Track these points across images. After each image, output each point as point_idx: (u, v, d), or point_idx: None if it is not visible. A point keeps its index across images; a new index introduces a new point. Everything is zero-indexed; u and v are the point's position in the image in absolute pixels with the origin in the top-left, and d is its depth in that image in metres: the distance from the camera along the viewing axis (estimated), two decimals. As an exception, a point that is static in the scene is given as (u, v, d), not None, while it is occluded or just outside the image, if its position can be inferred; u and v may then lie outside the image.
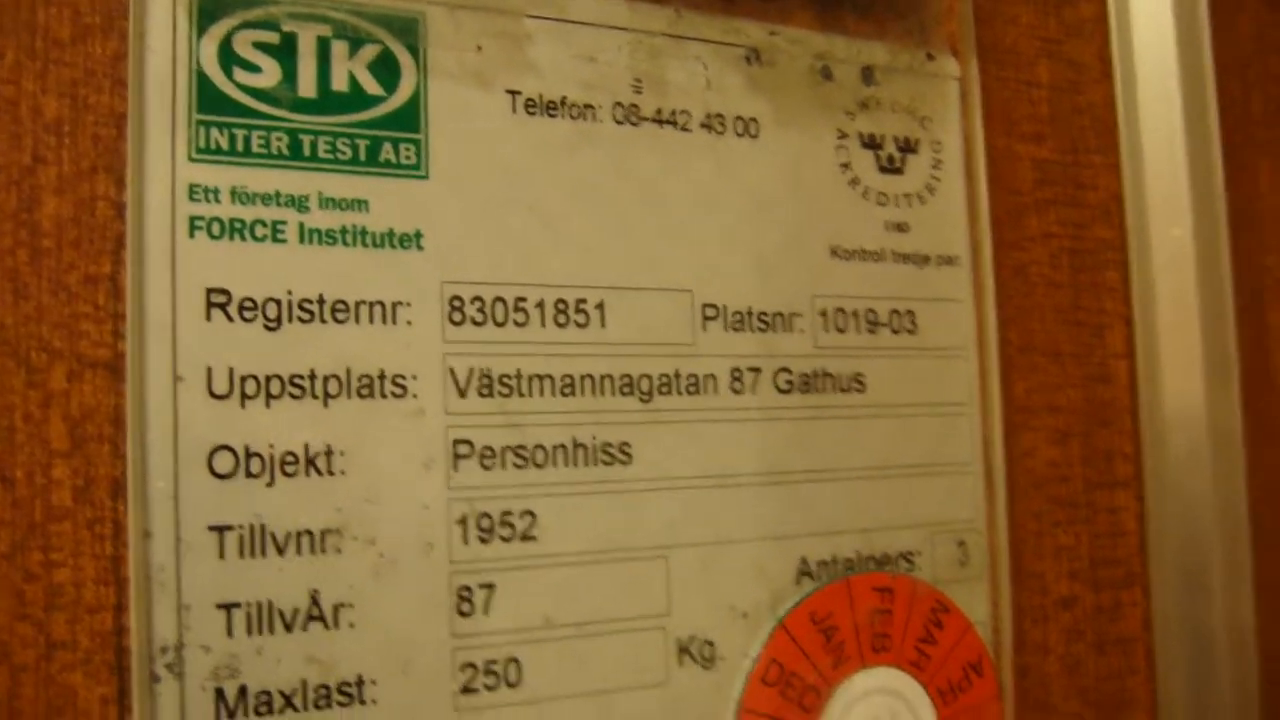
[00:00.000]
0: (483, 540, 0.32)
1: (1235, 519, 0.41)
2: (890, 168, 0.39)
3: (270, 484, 0.30)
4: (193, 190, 0.30)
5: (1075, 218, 0.42)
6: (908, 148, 0.39)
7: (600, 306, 0.34)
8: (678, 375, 0.35)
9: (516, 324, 0.33)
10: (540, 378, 0.33)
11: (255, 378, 0.30)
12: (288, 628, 0.30)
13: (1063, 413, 0.41)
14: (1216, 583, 0.41)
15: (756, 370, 0.36)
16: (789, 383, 0.36)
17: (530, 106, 0.34)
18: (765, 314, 0.36)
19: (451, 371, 0.32)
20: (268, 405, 0.30)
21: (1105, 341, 0.42)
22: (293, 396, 0.30)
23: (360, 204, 0.31)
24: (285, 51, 0.31)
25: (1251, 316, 0.43)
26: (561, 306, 0.33)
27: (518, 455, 0.32)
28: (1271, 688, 0.42)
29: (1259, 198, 0.43)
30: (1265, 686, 0.42)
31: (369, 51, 0.32)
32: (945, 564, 0.38)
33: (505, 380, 0.32)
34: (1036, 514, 0.40)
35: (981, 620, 0.39)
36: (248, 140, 0.30)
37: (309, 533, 0.30)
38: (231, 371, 0.30)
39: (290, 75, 0.31)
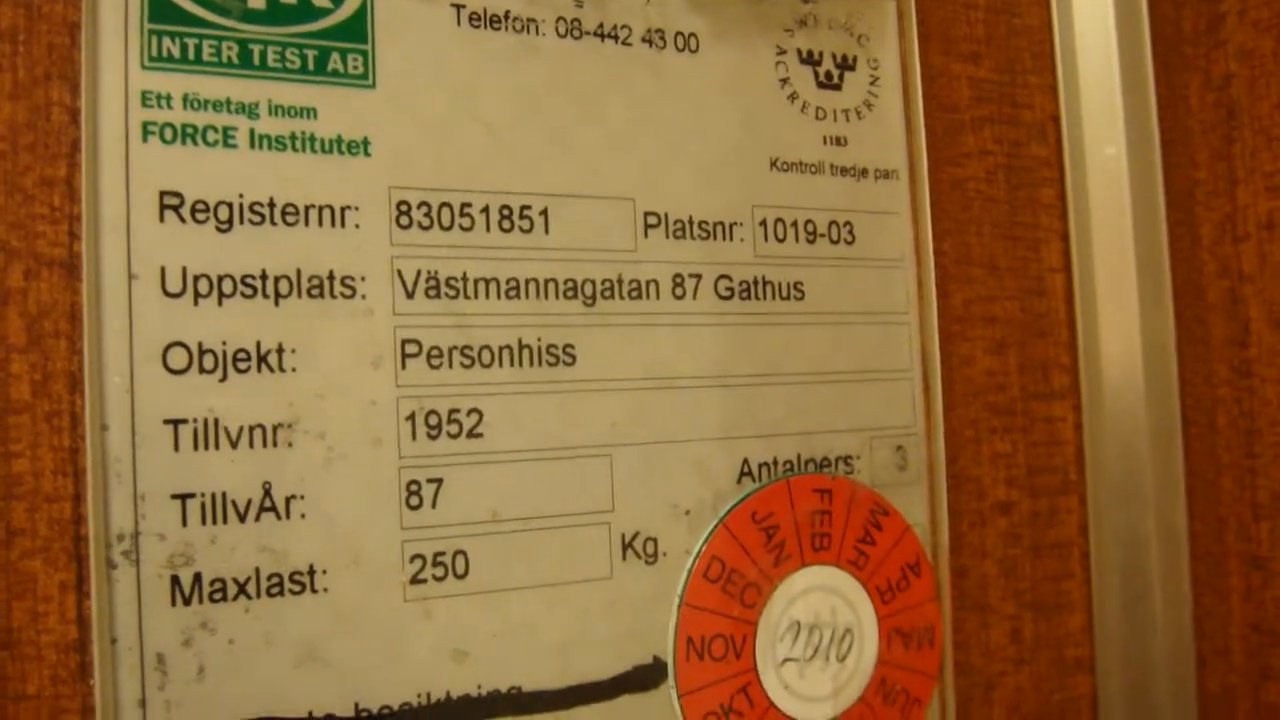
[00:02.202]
0: (430, 436, 0.33)
1: (1168, 428, 0.43)
2: (828, 84, 0.40)
3: (223, 379, 0.31)
4: (145, 97, 0.31)
5: (1011, 136, 0.43)
6: (846, 64, 0.40)
7: (544, 213, 0.35)
8: (620, 280, 0.36)
9: (462, 229, 0.34)
10: (486, 281, 0.34)
11: (208, 277, 0.31)
12: (241, 518, 0.31)
13: (999, 324, 0.42)
14: (1150, 490, 0.43)
15: (698, 277, 0.37)
16: (729, 290, 0.37)
17: (475, 20, 0.35)
18: (706, 223, 0.37)
19: (399, 273, 0.33)
20: (220, 304, 0.31)
21: (1041, 256, 0.43)
22: (244, 296, 0.31)
23: (309, 111, 0.32)
24: (234, -37, 0.32)
25: (1183, 230, 0.44)
26: (506, 213, 0.34)
27: (464, 355, 0.34)
28: (1202, 590, 0.43)
29: (1189, 114, 0.44)
30: (1197, 589, 0.43)
31: (316, -36, 0.33)
32: (884, 468, 0.40)
33: (452, 282, 0.33)
34: (974, 421, 0.41)
35: (919, 523, 0.40)
36: (199, 49, 0.31)
37: (261, 427, 0.31)
38: (185, 271, 0.31)
39: (239, -14, 0.32)
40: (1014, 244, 0.43)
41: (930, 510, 0.40)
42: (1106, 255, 0.43)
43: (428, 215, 0.33)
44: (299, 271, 0.32)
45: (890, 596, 0.39)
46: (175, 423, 0.30)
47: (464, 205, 0.34)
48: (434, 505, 0.33)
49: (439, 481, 0.33)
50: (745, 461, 0.37)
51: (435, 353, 0.33)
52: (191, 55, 0.31)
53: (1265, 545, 0.41)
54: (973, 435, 0.41)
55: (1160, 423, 0.43)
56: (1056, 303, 0.43)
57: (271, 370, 0.31)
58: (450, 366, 0.33)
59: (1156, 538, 0.42)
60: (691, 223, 0.37)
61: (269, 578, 0.31)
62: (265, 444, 0.31)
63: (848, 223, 0.40)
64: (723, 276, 0.37)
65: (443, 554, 0.33)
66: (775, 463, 0.38)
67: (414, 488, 0.33)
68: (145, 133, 0.31)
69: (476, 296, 0.34)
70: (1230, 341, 0.42)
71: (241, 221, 0.31)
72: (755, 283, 0.38)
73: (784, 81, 0.39)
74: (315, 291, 0.32)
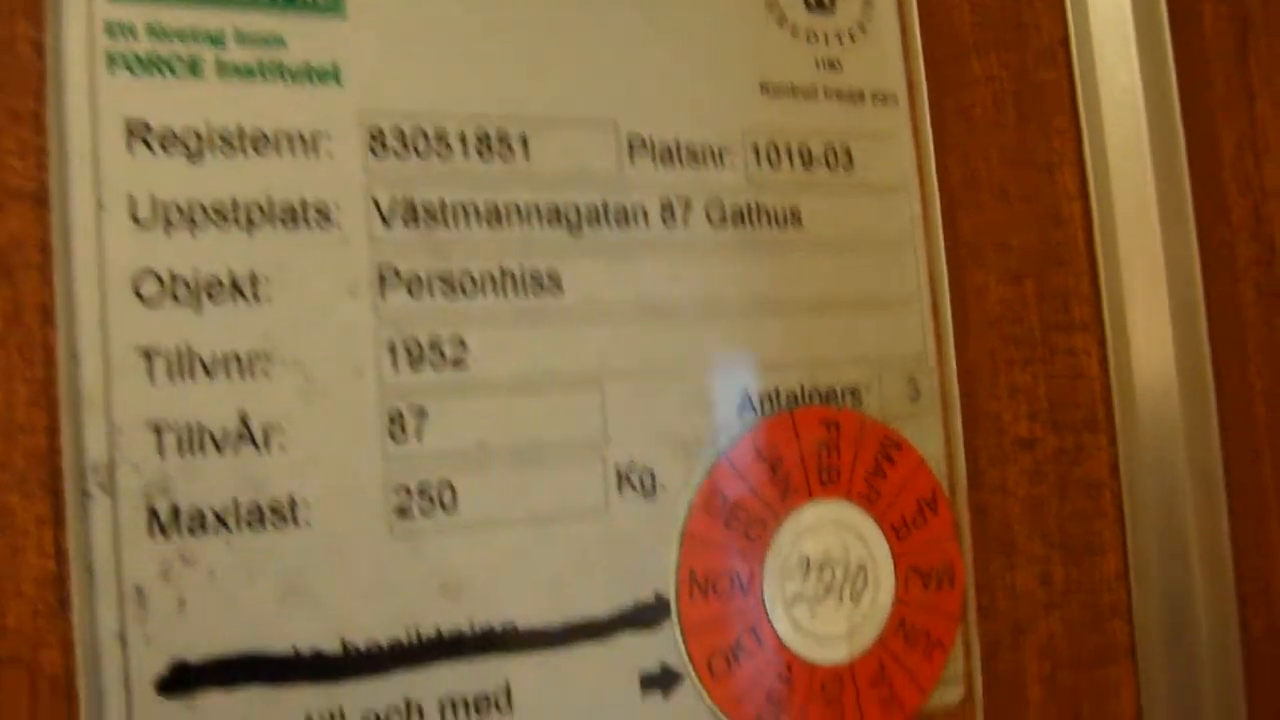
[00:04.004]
0: (413, 367, 0.32)
1: (1197, 355, 0.41)
2: (819, 6, 0.39)
3: (197, 309, 0.30)
4: (110, 27, 0.31)
5: (1018, 60, 0.42)
6: (836, -14, 0.39)
7: (524, 139, 0.34)
8: (606, 207, 0.35)
9: (439, 156, 0.33)
10: (465, 208, 0.33)
11: (178, 206, 0.31)
12: (218, 448, 0.30)
13: (1014, 252, 0.41)
14: (1182, 422, 0.41)
15: (687, 203, 0.36)
16: (722, 216, 0.36)
17: (449, -55, 0.34)
18: (694, 147, 0.36)
19: (375, 201, 0.32)
20: (191, 233, 0.31)
21: (1056, 183, 0.42)
22: (216, 225, 0.31)
23: (277, 40, 0.32)
24: (199, -106, 0.32)
25: (1203, 150, 0.42)
26: (484, 139, 0.34)
27: (445, 283, 0.33)
28: (1241, 530, 0.41)
29: (1203, 36, 0.43)
30: (1235, 529, 0.41)
31: (283, -106, 0.33)
32: (894, 400, 0.38)
33: (429, 210, 0.33)
34: (990, 353, 0.40)
35: (934, 457, 0.39)
36: (163, -20, 0.31)
37: (236, 357, 0.31)
38: (154, 200, 0.30)
39: (204, -84, 0.32)
40: (1025, 170, 0.41)
41: (946, 444, 0.39)
42: (1124, 180, 0.41)
43: (402, 142, 0.33)
44: (271, 200, 0.31)
45: (906, 533, 0.38)
46: (149, 353, 0.30)
47: (440, 131, 0.33)
48: (418, 437, 0.32)
49: (423, 412, 0.32)
50: (745, 392, 0.36)
51: (415, 281, 0.33)
52: (157, -14, 0.31)
53: (1305, 474, 0.39)
54: (990, 367, 0.40)
55: (1188, 351, 0.41)
56: (1074, 231, 0.42)
57: (246, 300, 0.31)
58: (431, 295, 0.33)
59: (1190, 475, 0.41)
60: (679, 147, 0.36)
61: (249, 510, 0.30)
62: (242, 374, 0.31)
63: (845, 148, 0.38)
64: (714, 202, 0.36)
65: (429, 486, 0.32)
66: (778, 394, 0.37)
67: (397, 418, 0.32)
68: (111, 64, 0.30)
69: (456, 224, 0.33)
70: (1255, 262, 0.40)
71: (210, 150, 0.31)
72: (749, 209, 0.37)
73: (771, 4, 0.38)
74: (288, 220, 0.31)
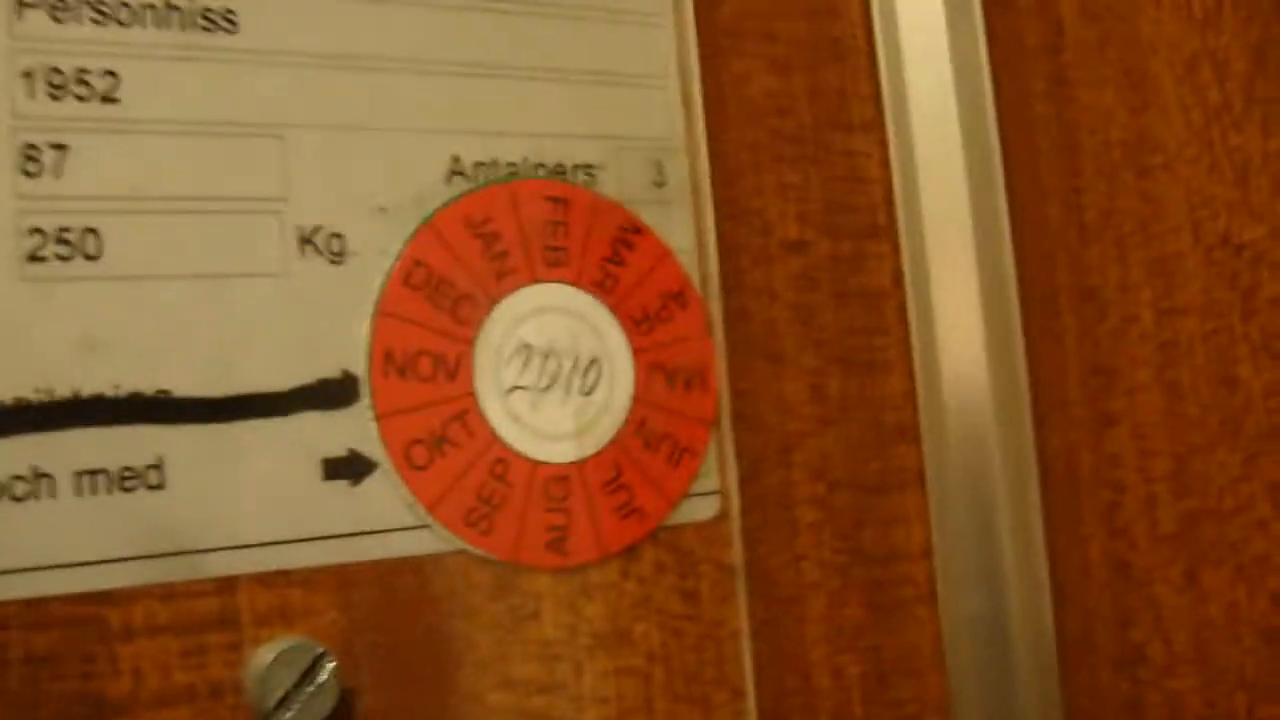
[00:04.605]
0: (53, 97, 0.29)
1: (985, 154, 0.38)
2: None
3: None
4: None
5: None
6: None
7: None
8: (292, -54, 0.32)
9: (92, -125, 0.30)
10: (120, -67, 0.30)
11: None
12: None
13: (782, 43, 0.37)
14: (970, 230, 0.37)
15: (388, -50, 0.33)
16: (433, -31, 0.33)
17: None
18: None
19: (8, -85, 0.29)
20: None
21: (832, -24, 0.38)
22: None
23: None
24: None
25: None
26: None
27: (96, 10, 0.30)
28: (1035, 338, 0.37)
29: None
30: (1030, 337, 0.37)
31: None
32: (635, 183, 0.35)
33: (77, -71, 0.30)
34: (752, 145, 0.36)
35: (685, 250, 0.35)
36: None
37: None
38: None
39: None
40: (798, -41, 0.38)
41: (698, 237, 0.35)
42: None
43: None
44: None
45: (647, 327, 0.34)
46: None
47: None
48: (57, 175, 0.29)
49: (64, 148, 0.29)
50: (455, 158, 0.33)
51: (59, 4, 0.29)
52: None
53: (1095, 275, 0.36)
54: (752, 161, 0.36)
55: (977, 150, 0.37)
56: (853, 27, 0.38)
57: None
58: (79, 22, 0.29)
59: (979, 280, 0.37)
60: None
61: None
62: None
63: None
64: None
65: (69, 230, 0.29)
66: (495, 163, 0.33)
67: (31, 153, 0.29)
68: None
69: (109, -51, 0.30)
70: (1044, 49, 0.37)
71: None
72: (463, -37, 0.33)
73: None
74: (-99, -73, 0.28)
